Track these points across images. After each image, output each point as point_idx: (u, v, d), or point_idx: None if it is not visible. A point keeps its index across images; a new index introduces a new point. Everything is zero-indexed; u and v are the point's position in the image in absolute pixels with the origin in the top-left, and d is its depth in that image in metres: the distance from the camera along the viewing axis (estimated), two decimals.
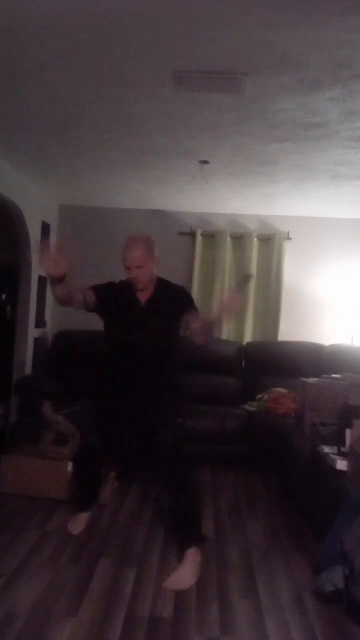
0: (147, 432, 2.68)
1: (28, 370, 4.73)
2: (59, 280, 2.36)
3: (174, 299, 2.72)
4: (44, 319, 5.13)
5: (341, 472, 2.71)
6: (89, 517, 2.96)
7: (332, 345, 4.83)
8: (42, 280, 4.99)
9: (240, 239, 5.21)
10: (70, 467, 3.32)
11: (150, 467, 2.93)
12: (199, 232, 5.19)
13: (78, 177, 4.37)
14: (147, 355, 2.64)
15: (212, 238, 5.23)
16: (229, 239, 5.19)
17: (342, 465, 2.73)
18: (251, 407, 4.46)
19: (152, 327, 2.65)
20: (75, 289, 2.53)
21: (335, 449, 2.92)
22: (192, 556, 2.48)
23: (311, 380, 3.72)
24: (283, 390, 4.39)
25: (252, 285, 5.19)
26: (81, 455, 3.03)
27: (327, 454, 2.90)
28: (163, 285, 2.75)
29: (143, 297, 2.69)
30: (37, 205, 4.80)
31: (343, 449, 2.86)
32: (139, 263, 2.57)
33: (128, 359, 2.68)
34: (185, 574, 2.42)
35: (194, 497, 2.65)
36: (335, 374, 3.94)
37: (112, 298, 2.69)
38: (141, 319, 2.67)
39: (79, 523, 2.92)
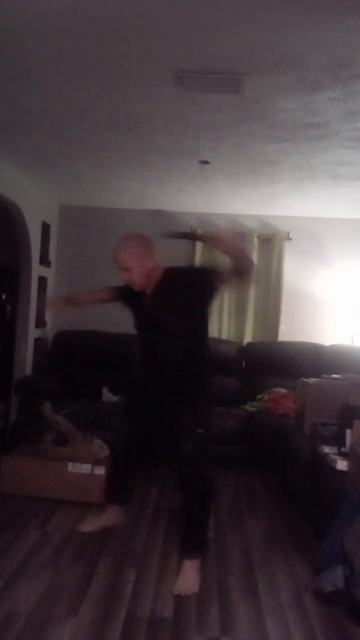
0: (169, 436, 2.63)
1: (28, 370, 4.73)
2: (73, 305, 2.78)
3: (183, 284, 2.53)
4: (44, 319, 5.13)
5: (341, 472, 2.70)
6: (117, 515, 2.93)
7: (332, 345, 4.83)
8: (42, 280, 5.00)
9: None
10: (70, 467, 3.33)
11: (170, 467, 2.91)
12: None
13: (78, 177, 4.37)
14: (166, 353, 2.57)
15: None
16: None
17: (342, 465, 2.72)
18: (251, 407, 4.46)
19: (163, 323, 2.55)
20: (90, 297, 2.95)
21: (335, 449, 2.92)
22: (194, 562, 2.46)
23: (311, 380, 3.72)
24: (283, 390, 4.39)
25: (252, 285, 5.19)
26: (115, 446, 2.95)
27: (327, 454, 2.90)
28: (168, 275, 2.58)
29: (147, 294, 2.60)
30: (37, 205, 4.80)
31: (343, 449, 2.86)
32: (126, 265, 2.53)
33: (151, 359, 2.68)
34: (190, 578, 2.40)
35: (204, 507, 2.58)
36: (335, 374, 3.94)
37: (127, 298, 2.74)
38: (150, 317, 2.60)
39: (96, 520, 2.93)
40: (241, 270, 2.42)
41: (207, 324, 2.68)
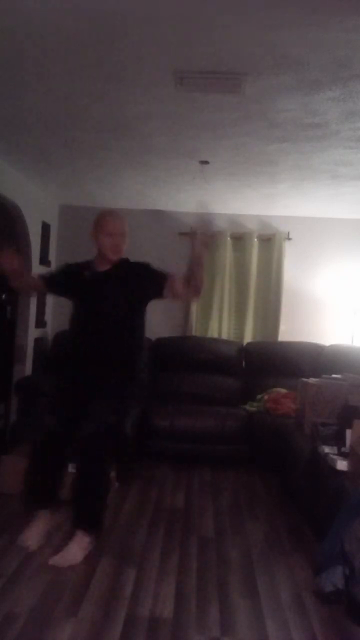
0: (84, 406, 2.63)
1: (28, 370, 4.73)
2: (16, 274, 2.69)
3: (136, 273, 2.75)
4: (44, 319, 5.13)
5: (341, 472, 2.71)
6: (46, 524, 2.70)
7: (332, 345, 4.83)
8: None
9: (240, 239, 5.21)
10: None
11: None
12: (199, 232, 5.18)
13: (78, 177, 4.37)
14: (105, 327, 2.67)
15: (212, 238, 5.22)
16: (229, 239, 5.19)
17: (342, 465, 2.72)
18: (251, 407, 4.46)
19: (110, 300, 2.69)
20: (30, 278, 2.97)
21: (335, 449, 2.92)
22: (80, 537, 2.55)
23: (311, 380, 3.72)
24: (283, 390, 4.39)
25: (252, 285, 5.19)
26: (39, 441, 2.75)
27: (327, 454, 2.90)
28: (126, 261, 2.79)
29: (102, 268, 2.76)
30: (37, 205, 4.80)
31: (343, 449, 2.86)
32: (123, 230, 2.72)
33: (87, 331, 2.72)
34: (70, 552, 2.51)
35: (99, 487, 2.63)
36: (335, 374, 3.94)
37: (69, 275, 2.84)
38: (99, 291, 2.71)
39: (33, 532, 2.64)
40: (193, 285, 2.67)
41: (144, 322, 2.84)
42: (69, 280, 2.82)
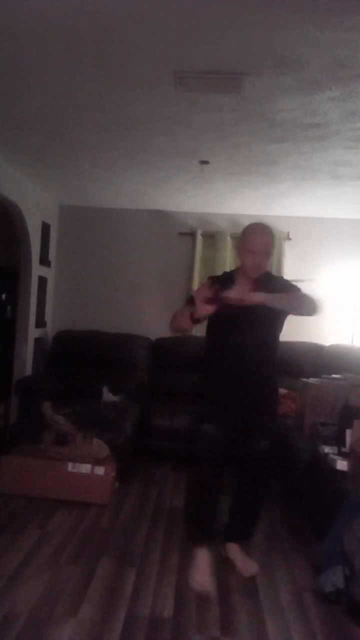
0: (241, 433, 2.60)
1: (28, 370, 4.73)
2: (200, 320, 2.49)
3: (279, 290, 2.60)
4: (44, 319, 5.13)
5: (341, 472, 2.71)
6: (211, 558, 2.48)
7: (332, 345, 4.83)
8: (42, 280, 5.00)
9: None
10: (70, 467, 3.33)
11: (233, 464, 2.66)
12: (199, 232, 5.19)
13: (78, 177, 4.37)
14: (254, 351, 2.59)
15: (212, 238, 5.22)
16: (229, 239, 5.19)
17: (342, 465, 2.73)
18: None
19: (258, 321, 2.55)
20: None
21: (335, 449, 2.92)
22: (236, 548, 2.62)
23: (311, 380, 3.72)
24: (283, 390, 4.38)
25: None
26: (205, 452, 2.52)
27: (327, 454, 2.90)
28: (269, 276, 2.68)
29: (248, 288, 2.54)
30: (37, 205, 4.80)
31: (343, 449, 2.86)
32: (267, 249, 2.54)
33: (232, 356, 2.61)
34: (248, 559, 2.60)
35: (262, 503, 2.69)
36: (335, 374, 3.94)
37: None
38: (245, 313, 2.49)
39: (204, 573, 2.40)
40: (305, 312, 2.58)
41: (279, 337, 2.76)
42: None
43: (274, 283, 2.66)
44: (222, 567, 2.59)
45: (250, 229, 2.58)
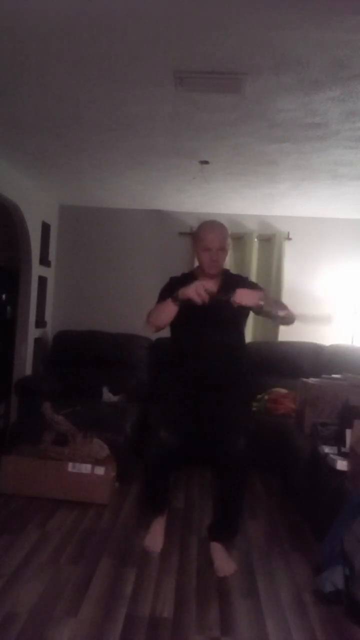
0: (213, 433, 2.62)
1: (28, 370, 4.73)
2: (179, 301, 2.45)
3: (239, 285, 2.58)
4: (44, 319, 5.13)
5: (341, 472, 2.70)
6: (164, 527, 2.81)
7: (332, 345, 4.83)
8: (42, 280, 5.00)
9: (240, 239, 5.21)
10: (70, 467, 3.33)
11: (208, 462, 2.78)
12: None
13: (78, 177, 4.37)
14: (219, 346, 2.59)
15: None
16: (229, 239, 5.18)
17: (342, 465, 2.72)
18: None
19: (223, 315, 2.54)
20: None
21: (335, 449, 2.92)
22: (223, 546, 2.65)
23: (311, 380, 3.72)
24: (283, 390, 4.39)
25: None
26: (154, 457, 2.68)
27: (327, 454, 2.90)
28: (230, 274, 2.71)
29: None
30: (37, 205, 4.80)
31: (343, 449, 2.86)
32: (224, 245, 2.55)
33: (197, 352, 2.62)
34: (227, 559, 2.60)
35: (244, 497, 2.72)
36: (335, 374, 3.94)
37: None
38: (210, 308, 2.48)
39: (156, 536, 2.76)
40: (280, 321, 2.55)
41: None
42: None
43: (237, 281, 2.65)
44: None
45: (204, 227, 2.63)
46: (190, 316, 2.52)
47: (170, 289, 2.61)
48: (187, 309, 2.48)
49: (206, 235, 2.58)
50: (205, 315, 2.52)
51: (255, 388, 2.76)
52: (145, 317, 2.67)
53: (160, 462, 2.67)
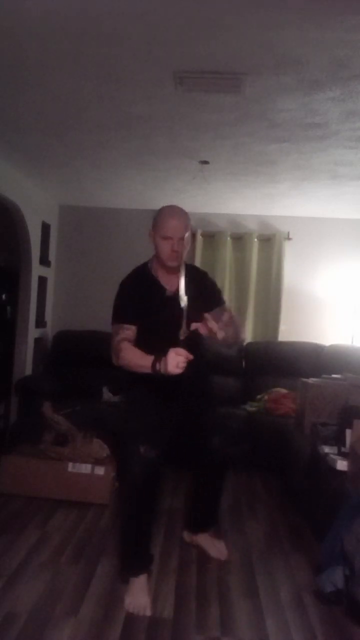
0: (191, 434, 2.59)
1: (28, 370, 4.73)
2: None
3: (204, 285, 2.44)
4: (44, 319, 5.13)
5: (341, 472, 2.70)
6: (147, 587, 2.27)
7: (332, 345, 4.83)
8: (42, 280, 5.00)
9: (240, 239, 5.21)
10: (70, 467, 3.33)
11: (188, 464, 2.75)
12: (199, 232, 5.18)
13: (78, 177, 4.37)
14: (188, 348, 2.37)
15: (212, 238, 5.22)
16: (229, 239, 5.19)
17: (342, 465, 2.72)
18: (251, 407, 4.46)
19: (188, 316, 2.28)
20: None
21: (335, 449, 2.92)
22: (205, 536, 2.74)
23: (311, 380, 3.72)
24: (283, 390, 4.39)
25: (252, 285, 5.19)
26: (137, 474, 2.22)
27: (327, 454, 2.90)
28: (192, 270, 2.46)
29: (170, 283, 2.35)
30: (37, 205, 4.80)
31: (343, 449, 2.86)
32: (184, 234, 2.24)
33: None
34: (221, 545, 2.72)
35: (222, 493, 2.75)
36: (335, 374, 3.94)
37: (140, 305, 2.33)
38: (175, 308, 2.31)
39: (140, 597, 2.20)
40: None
41: None
42: (142, 309, 2.37)
43: (200, 279, 2.43)
44: (222, 567, 2.59)
45: (164, 212, 2.29)
46: (150, 322, 2.31)
47: (130, 303, 2.34)
48: (147, 323, 2.28)
49: (166, 222, 2.24)
50: (165, 320, 2.31)
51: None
52: (114, 348, 2.31)
53: (146, 483, 2.23)
